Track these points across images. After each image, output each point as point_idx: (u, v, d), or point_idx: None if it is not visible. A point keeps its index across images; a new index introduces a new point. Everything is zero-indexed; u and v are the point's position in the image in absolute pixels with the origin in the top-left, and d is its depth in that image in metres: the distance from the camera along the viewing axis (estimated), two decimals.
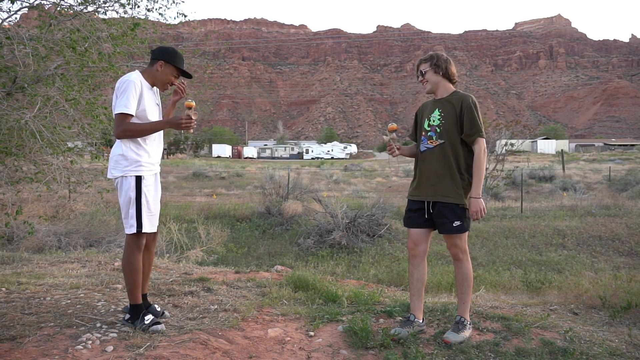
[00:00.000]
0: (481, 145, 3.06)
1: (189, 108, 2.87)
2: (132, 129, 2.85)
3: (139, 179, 2.91)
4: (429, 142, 3.16)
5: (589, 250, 9.92)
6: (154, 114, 3.04)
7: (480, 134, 3.06)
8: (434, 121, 3.15)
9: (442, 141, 3.10)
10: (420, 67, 3.21)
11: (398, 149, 3.24)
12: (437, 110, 3.16)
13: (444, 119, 3.11)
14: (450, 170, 3.07)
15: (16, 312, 3.20)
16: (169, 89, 3.19)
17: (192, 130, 2.93)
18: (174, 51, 3.06)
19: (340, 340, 3.05)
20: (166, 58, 3.01)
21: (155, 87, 3.13)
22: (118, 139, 2.90)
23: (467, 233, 3.15)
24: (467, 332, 3.07)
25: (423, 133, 3.22)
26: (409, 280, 3.28)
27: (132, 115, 2.86)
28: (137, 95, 2.88)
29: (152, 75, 3.04)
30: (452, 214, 3.06)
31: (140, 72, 3.03)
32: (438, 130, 3.12)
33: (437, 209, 3.10)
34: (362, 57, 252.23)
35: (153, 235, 3.16)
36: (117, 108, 2.84)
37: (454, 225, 3.06)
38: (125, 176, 2.91)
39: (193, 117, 2.85)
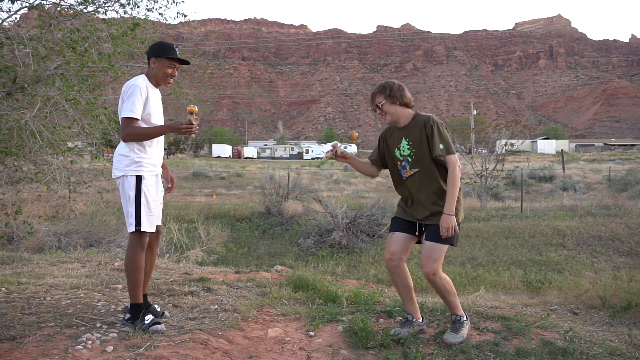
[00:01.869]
0: (453, 161, 2.99)
1: (191, 113, 2.91)
2: (137, 133, 2.91)
3: (139, 179, 2.96)
4: (405, 171, 3.14)
5: (589, 250, 9.92)
6: (158, 117, 3.10)
7: (448, 151, 3.00)
8: (404, 151, 3.12)
9: (417, 169, 3.08)
10: (376, 101, 3.14)
11: (342, 155, 3.16)
12: (404, 139, 3.12)
13: (413, 147, 3.08)
14: (434, 193, 3.04)
15: (16, 312, 3.20)
16: (172, 84, 3.22)
17: (193, 135, 2.98)
18: (160, 44, 3.08)
19: (340, 340, 3.05)
20: (155, 53, 3.04)
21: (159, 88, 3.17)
22: (124, 142, 2.96)
23: (446, 249, 3.05)
24: (465, 330, 3.08)
25: (398, 162, 3.18)
26: (396, 288, 3.26)
27: (137, 119, 2.92)
28: (142, 99, 2.94)
29: (153, 75, 3.07)
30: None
31: (145, 75, 3.08)
32: (410, 159, 3.09)
33: (429, 229, 3.06)
34: (362, 57, 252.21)
35: (156, 235, 3.19)
36: (124, 112, 2.90)
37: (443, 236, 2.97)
38: (126, 176, 2.96)
39: (194, 122, 2.90)
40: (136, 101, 2.89)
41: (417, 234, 3.13)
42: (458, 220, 3.02)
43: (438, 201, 3.04)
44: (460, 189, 3.07)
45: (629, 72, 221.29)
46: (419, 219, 3.09)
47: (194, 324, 3.12)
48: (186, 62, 3.17)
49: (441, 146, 2.99)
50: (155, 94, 3.09)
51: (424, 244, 3.07)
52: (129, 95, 2.90)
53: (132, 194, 2.94)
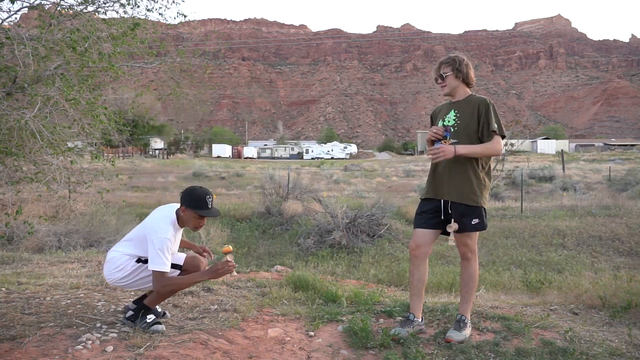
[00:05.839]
0: (499, 141, 3.06)
1: (226, 253, 2.96)
2: (171, 284, 2.96)
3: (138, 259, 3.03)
4: (442, 142, 3.15)
5: (589, 250, 9.91)
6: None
7: (500, 132, 3.06)
8: (448, 122, 3.16)
9: (456, 141, 3.09)
10: (442, 70, 3.20)
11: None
12: (452, 111, 3.18)
13: (459, 119, 3.13)
14: (465, 170, 3.06)
15: (16, 312, 3.21)
16: (199, 230, 3.27)
17: (234, 273, 3.00)
18: (193, 195, 3.02)
19: (340, 340, 3.05)
20: (186, 204, 3.01)
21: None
22: (159, 293, 2.97)
23: (478, 234, 3.15)
24: (467, 331, 3.10)
25: None
26: (409, 280, 3.28)
27: (168, 271, 2.94)
28: (171, 249, 2.97)
29: (181, 220, 3.08)
30: (470, 214, 3.05)
31: (176, 213, 3.08)
32: (452, 130, 3.13)
33: (455, 210, 3.08)
34: (362, 57, 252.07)
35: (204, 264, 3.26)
36: (157, 266, 2.88)
37: (472, 223, 3.05)
38: (124, 276, 3.02)
39: (230, 261, 2.93)
40: (167, 253, 2.91)
41: (442, 217, 3.12)
42: (483, 205, 3.10)
43: (467, 178, 3.06)
44: (487, 179, 3.14)
45: (629, 72, 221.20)
46: (445, 196, 3.10)
47: (194, 324, 3.12)
48: (216, 215, 3.09)
49: (495, 125, 3.05)
50: (179, 233, 3.14)
51: (456, 235, 3.10)
52: (160, 248, 2.88)
53: (132, 263, 3.01)
